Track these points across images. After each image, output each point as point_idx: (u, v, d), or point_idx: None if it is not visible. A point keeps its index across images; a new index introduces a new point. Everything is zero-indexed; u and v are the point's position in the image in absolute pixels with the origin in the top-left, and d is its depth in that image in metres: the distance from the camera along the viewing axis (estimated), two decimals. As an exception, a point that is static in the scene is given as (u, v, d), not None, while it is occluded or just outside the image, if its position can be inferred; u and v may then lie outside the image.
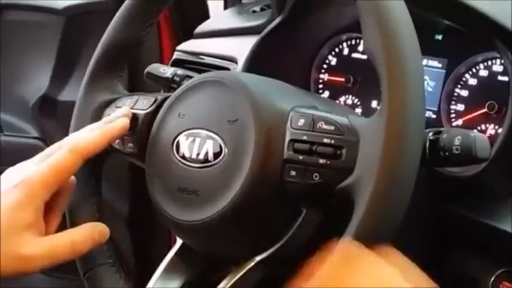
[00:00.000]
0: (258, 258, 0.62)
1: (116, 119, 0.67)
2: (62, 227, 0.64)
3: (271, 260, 0.62)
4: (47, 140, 1.38)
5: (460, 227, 0.74)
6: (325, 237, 0.58)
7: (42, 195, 0.60)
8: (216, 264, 0.69)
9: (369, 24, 0.55)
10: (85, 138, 0.64)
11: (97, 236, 0.63)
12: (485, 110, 0.78)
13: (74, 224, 0.68)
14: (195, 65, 1.03)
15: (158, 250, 1.41)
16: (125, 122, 0.68)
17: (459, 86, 0.82)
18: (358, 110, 0.90)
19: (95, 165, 0.69)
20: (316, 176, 0.58)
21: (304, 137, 0.58)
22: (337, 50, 0.93)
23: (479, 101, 0.79)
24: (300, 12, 0.88)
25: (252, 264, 0.62)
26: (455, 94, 0.82)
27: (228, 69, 0.95)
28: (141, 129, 0.69)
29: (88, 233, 0.62)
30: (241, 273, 0.62)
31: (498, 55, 0.76)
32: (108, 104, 0.73)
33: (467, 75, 0.81)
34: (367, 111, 0.88)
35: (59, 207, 0.64)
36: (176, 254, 0.69)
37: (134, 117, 0.70)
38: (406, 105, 0.53)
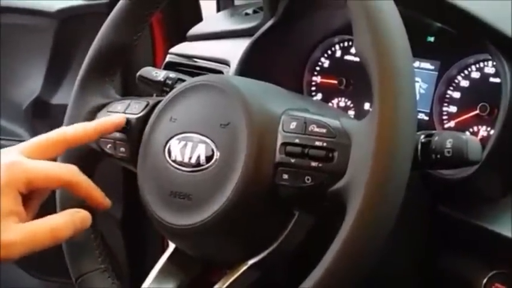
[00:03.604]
0: (250, 261, 0.62)
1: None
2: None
3: (264, 263, 0.62)
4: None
5: (452, 229, 0.74)
6: (317, 240, 0.58)
7: (22, 181, 0.59)
8: (209, 268, 0.69)
9: (360, 27, 0.55)
10: (73, 126, 0.66)
11: (78, 222, 0.62)
12: (477, 111, 0.78)
13: None
14: (188, 67, 1.03)
15: (151, 253, 1.41)
16: (119, 119, 0.68)
17: (451, 88, 0.82)
18: (351, 113, 0.90)
19: (87, 170, 0.68)
20: (308, 179, 0.58)
21: (296, 140, 0.58)
22: (329, 52, 0.93)
23: (472, 103, 0.79)
24: (292, 14, 0.88)
25: (245, 267, 0.62)
26: (448, 96, 0.82)
27: (220, 72, 0.95)
28: (133, 133, 0.69)
29: (69, 219, 0.61)
30: (234, 276, 0.62)
31: (490, 57, 0.76)
32: (99, 108, 0.73)
33: (459, 77, 0.81)
34: (360, 114, 0.88)
35: (38, 196, 0.63)
36: (169, 257, 0.69)
37: (126, 122, 0.70)
38: (397, 108, 0.53)
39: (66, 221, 0.61)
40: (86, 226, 0.63)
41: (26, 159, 0.61)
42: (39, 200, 0.64)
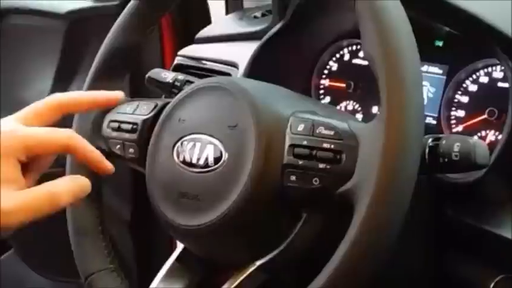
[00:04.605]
0: (258, 262, 0.62)
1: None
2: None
3: (272, 265, 0.62)
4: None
5: (460, 233, 0.74)
6: (325, 242, 0.58)
7: (21, 148, 0.58)
8: (216, 268, 0.69)
9: (368, 30, 0.56)
10: (67, 93, 0.66)
11: (78, 187, 0.61)
12: (485, 116, 0.78)
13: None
14: (197, 70, 1.03)
15: (160, 254, 1.41)
16: (114, 94, 0.68)
17: (459, 92, 0.82)
18: (359, 116, 0.90)
19: (95, 172, 0.69)
20: (316, 181, 0.58)
21: (304, 142, 0.59)
22: (338, 55, 0.93)
23: (480, 108, 0.79)
24: (301, 18, 0.88)
25: (253, 268, 0.62)
26: (456, 100, 0.82)
27: (229, 74, 0.96)
28: (141, 134, 0.70)
29: (68, 185, 0.60)
30: (242, 277, 0.62)
31: (498, 62, 0.76)
32: (108, 109, 0.73)
33: (467, 82, 0.81)
34: (368, 117, 0.88)
35: (38, 166, 0.62)
36: (177, 258, 0.69)
37: (135, 123, 0.70)
38: (404, 110, 0.53)
39: (65, 186, 0.60)
40: (85, 192, 0.62)
41: (23, 126, 0.60)
42: (40, 170, 0.63)
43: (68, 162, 0.73)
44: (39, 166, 0.63)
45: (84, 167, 0.65)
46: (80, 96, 0.66)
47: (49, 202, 0.58)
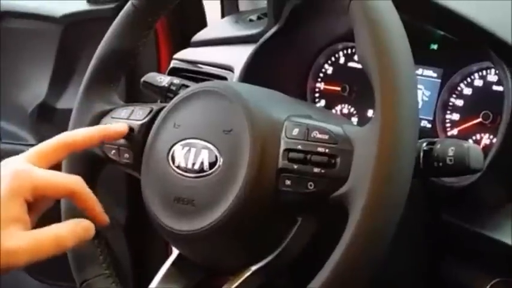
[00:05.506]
0: (254, 267, 0.62)
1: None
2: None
3: (268, 269, 0.62)
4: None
5: (455, 237, 0.74)
6: (320, 246, 0.58)
7: (29, 189, 0.59)
8: (212, 273, 0.69)
9: (362, 33, 0.56)
10: (75, 132, 0.66)
11: (82, 231, 0.62)
12: (480, 119, 0.78)
13: None
14: (192, 73, 1.03)
15: (155, 259, 1.41)
16: (123, 127, 0.69)
17: (454, 96, 0.82)
18: (354, 119, 0.90)
19: (91, 176, 0.69)
20: (310, 185, 0.58)
21: (299, 146, 0.59)
22: (333, 59, 0.94)
23: (474, 111, 0.79)
24: (296, 21, 0.88)
25: (248, 273, 0.62)
26: (451, 104, 0.82)
27: (224, 78, 0.96)
28: (136, 139, 0.70)
29: (73, 228, 0.61)
30: (238, 282, 0.62)
31: (493, 65, 0.77)
32: (104, 114, 0.73)
33: (462, 85, 0.81)
34: (363, 120, 0.88)
35: (42, 205, 0.63)
36: (173, 263, 0.69)
37: (130, 128, 0.70)
38: (399, 114, 0.53)
39: (70, 230, 0.61)
40: (89, 236, 0.63)
41: (32, 167, 0.61)
42: (43, 209, 0.64)
43: None
44: (42, 206, 0.64)
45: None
46: (87, 134, 0.66)
47: (55, 245, 0.59)
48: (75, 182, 0.63)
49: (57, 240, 0.59)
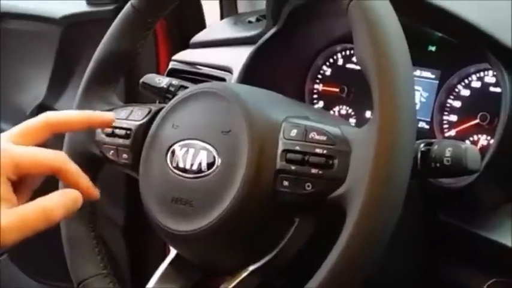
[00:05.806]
0: (251, 267, 0.62)
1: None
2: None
3: (265, 270, 0.62)
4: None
5: (452, 237, 0.74)
6: (318, 246, 0.58)
7: (10, 167, 0.58)
8: (210, 273, 0.69)
9: (360, 35, 0.56)
10: (60, 112, 0.65)
11: (69, 201, 0.60)
12: (477, 121, 0.78)
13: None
14: (191, 74, 1.03)
15: (153, 259, 1.41)
16: (109, 115, 0.67)
17: (452, 97, 0.82)
18: (352, 121, 0.90)
19: (89, 176, 0.69)
20: (308, 186, 0.58)
21: (297, 147, 0.59)
22: (331, 60, 0.94)
23: (472, 112, 0.79)
24: (294, 22, 0.89)
25: (246, 273, 0.63)
26: (448, 105, 0.82)
27: (223, 79, 0.96)
28: (135, 140, 0.70)
29: (60, 200, 0.60)
30: (235, 282, 0.63)
31: (490, 67, 0.77)
32: None
33: (459, 86, 0.82)
34: (361, 122, 0.89)
35: (29, 184, 0.62)
36: (170, 263, 0.70)
37: (129, 129, 0.70)
38: (396, 115, 0.53)
39: (57, 202, 0.59)
40: (77, 206, 0.61)
41: (12, 145, 0.60)
42: (31, 188, 0.63)
43: None
44: (30, 184, 0.63)
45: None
46: (70, 116, 0.65)
47: (43, 218, 0.58)
48: (57, 158, 0.61)
49: (45, 213, 0.58)
